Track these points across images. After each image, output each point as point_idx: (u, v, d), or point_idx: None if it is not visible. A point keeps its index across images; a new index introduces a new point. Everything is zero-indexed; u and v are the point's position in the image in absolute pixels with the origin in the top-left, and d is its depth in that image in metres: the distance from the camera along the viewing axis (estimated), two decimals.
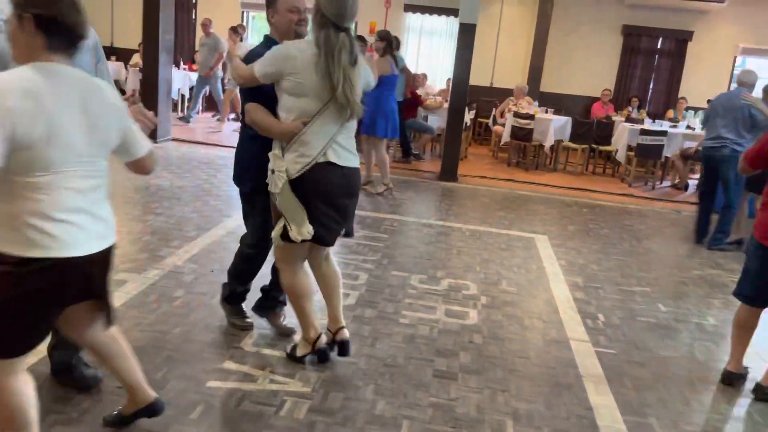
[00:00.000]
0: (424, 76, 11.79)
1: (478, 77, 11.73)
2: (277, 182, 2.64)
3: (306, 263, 2.96)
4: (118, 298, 3.47)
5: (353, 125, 2.78)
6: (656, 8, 11.35)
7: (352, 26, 2.67)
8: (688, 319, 4.11)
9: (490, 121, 10.88)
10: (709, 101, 5.81)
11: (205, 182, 6.54)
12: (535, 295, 4.28)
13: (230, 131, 10.02)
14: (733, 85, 5.98)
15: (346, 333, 2.99)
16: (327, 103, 2.60)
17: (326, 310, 3.07)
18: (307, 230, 2.65)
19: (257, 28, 15.07)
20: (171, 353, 2.95)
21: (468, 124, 9.84)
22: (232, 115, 11.18)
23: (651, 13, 11.46)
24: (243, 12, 12.76)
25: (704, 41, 11.49)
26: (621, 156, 9.14)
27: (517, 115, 9.14)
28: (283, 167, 2.63)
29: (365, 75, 2.83)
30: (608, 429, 2.71)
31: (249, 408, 2.59)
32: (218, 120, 10.81)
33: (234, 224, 5.14)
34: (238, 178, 3.08)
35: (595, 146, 9.68)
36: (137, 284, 3.71)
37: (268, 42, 2.87)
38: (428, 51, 12.70)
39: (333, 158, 2.66)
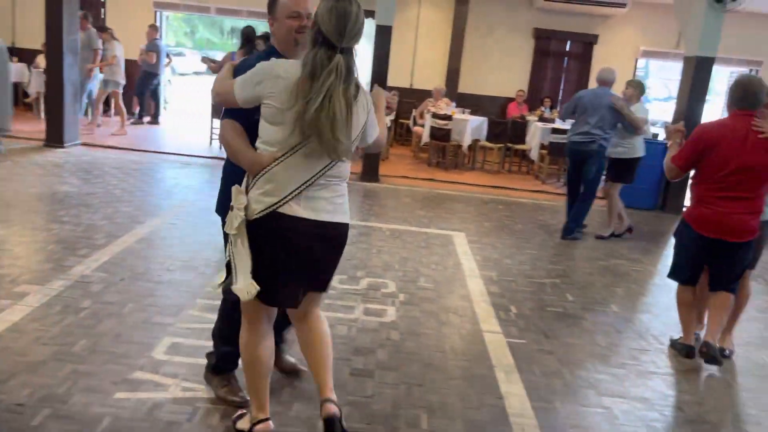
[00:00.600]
0: None
1: (398, 79, 11.89)
2: (233, 221, 2.15)
3: (271, 326, 2.41)
4: (17, 311, 3.30)
5: (342, 171, 2.24)
6: (564, 12, 11.87)
7: (355, 48, 2.18)
8: (593, 307, 4.35)
9: (410, 122, 11.05)
10: (578, 96, 6.19)
11: (116, 188, 6.29)
12: (452, 290, 4.40)
13: (140, 133, 9.68)
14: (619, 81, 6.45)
15: (331, 408, 2.30)
16: (310, 138, 2.11)
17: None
18: (252, 287, 2.14)
19: (173, 28, 14.65)
20: (76, 366, 2.83)
21: (389, 126, 9.96)
22: (130, 120, 10.77)
23: (559, 17, 11.98)
24: (156, 12, 12.36)
25: (608, 44, 12.13)
26: (534, 154, 9.51)
27: (435, 116, 9.34)
28: (242, 204, 2.15)
29: (365, 121, 2.24)
30: (517, 416, 2.83)
31: (160, 417, 2.53)
32: (90, 123, 9.89)
33: (146, 231, 4.98)
34: (221, 208, 2.47)
35: (510, 145, 10.02)
36: (39, 296, 3.53)
37: (269, 54, 2.38)
38: None
39: (302, 210, 2.15)
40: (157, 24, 11.75)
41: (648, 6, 11.66)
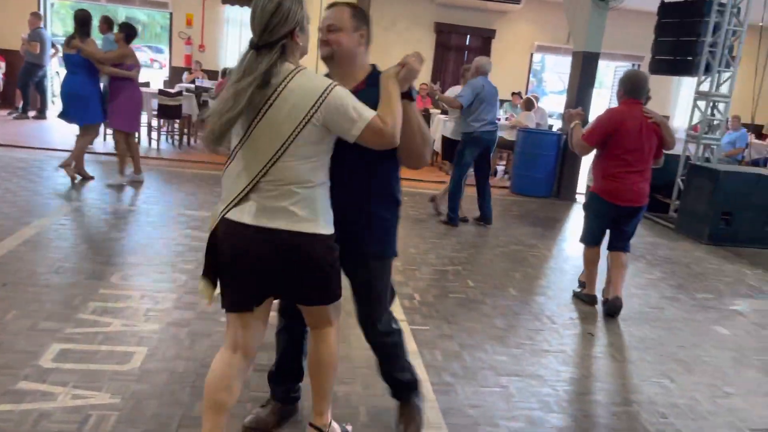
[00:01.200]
0: None
1: None
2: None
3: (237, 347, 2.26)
4: None
5: (288, 176, 2.00)
6: (462, 7, 12.21)
7: (276, 42, 1.97)
8: (493, 292, 4.53)
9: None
10: (478, 86, 6.27)
11: None
12: None
13: (25, 129, 9.04)
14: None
15: None
16: (241, 139, 2.02)
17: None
18: (213, 291, 2.14)
19: (60, 17, 13.73)
20: None
21: None
22: (13, 114, 10.06)
23: (459, 12, 12.32)
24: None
25: (505, 39, 12.62)
26: (437, 146, 9.73)
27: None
28: (215, 211, 2.14)
29: (304, 122, 1.96)
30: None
31: (47, 427, 2.39)
32: None
33: (32, 232, 4.67)
34: None
35: None
36: None
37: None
38: None
39: (245, 215, 2.02)
40: (41, 12, 10.98)
41: (541, 3, 12.22)
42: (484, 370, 3.31)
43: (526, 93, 12.00)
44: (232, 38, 12.30)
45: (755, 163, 10.03)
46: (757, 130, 12.87)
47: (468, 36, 12.83)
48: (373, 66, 2.32)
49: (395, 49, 12.77)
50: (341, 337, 3.48)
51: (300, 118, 1.95)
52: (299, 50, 2.08)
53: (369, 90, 2.15)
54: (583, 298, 4.49)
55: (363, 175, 2.24)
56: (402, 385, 2.63)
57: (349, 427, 2.56)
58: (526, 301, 4.44)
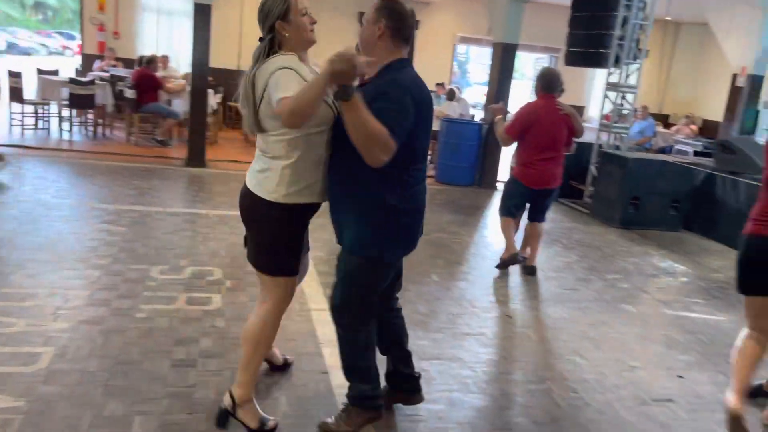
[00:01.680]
0: (166, 58, 11.19)
1: (224, 60, 11.48)
2: None
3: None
4: None
5: (262, 145, 2.35)
6: None
7: (267, 35, 2.31)
8: (416, 278, 4.60)
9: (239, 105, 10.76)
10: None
11: None
12: None
13: None
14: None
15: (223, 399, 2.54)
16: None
17: None
18: None
19: None
20: None
21: (215, 108, 9.62)
22: None
23: None
24: None
25: (429, 30, 12.74)
26: None
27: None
28: None
29: (263, 91, 2.22)
30: (341, 387, 2.91)
31: None
32: None
33: None
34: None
35: None
36: None
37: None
38: (168, 32, 12.03)
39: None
40: None
41: None
42: None
43: (450, 84, 12.19)
44: (149, 25, 11.82)
45: (662, 150, 10.62)
46: (663, 120, 13.67)
47: None
48: (396, 60, 2.33)
49: (320, 39, 12.70)
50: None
51: (259, 94, 2.24)
52: (291, 40, 2.32)
53: (368, 85, 2.26)
54: (506, 261, 4.95)
55: (343, 169, 2.33)
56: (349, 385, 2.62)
57: (272, 422, 2.54)
58: (448, 287, 4.54)
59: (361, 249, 2.37)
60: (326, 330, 3.52)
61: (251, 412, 2.49)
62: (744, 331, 2.91)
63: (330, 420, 2.57)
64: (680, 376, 3.47)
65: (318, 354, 3.23)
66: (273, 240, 2.39)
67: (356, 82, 2.06)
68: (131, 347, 3.07)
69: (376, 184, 2.29)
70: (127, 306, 3.54)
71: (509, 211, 4.98)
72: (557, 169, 4.83)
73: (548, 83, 4.78)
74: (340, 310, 2.50)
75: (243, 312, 3.64)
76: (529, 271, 4.97)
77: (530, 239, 5.07)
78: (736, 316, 4.50)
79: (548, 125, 4.70)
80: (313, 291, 4.10)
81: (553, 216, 7.13)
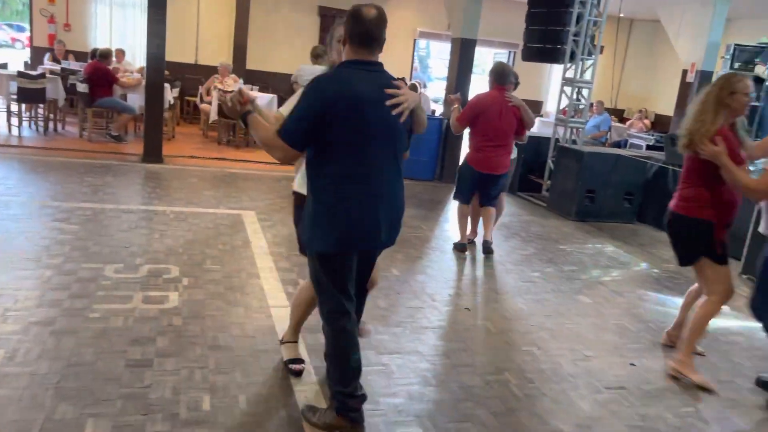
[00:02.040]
0: (121, 51, 10.93)
1: (181, 54, 11.28)
2: None
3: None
4: None
5: None
6: None
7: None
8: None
9: (197, 100, 10.58)
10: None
11: None
12: (240, 270, 4.36)
13: None
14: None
15: None
16: None
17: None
18: None
19: None
20: None
21: (172, 103, 9.44)
22: None
23: None
24: None
25: (389, 26, 12.72)
26: None
27: (223, 92, 9.04)
28: None
29: None
30: (301, 383, 2.93)
31: None
32: None
33: None
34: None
35: None
36: None
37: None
38: (122, 24, 11.72)
39: None
40: None
41: None
42: (367, 349, 3.35)
43: (411, 79, 12.23)
44: (102, 17, 11.50)
45: (617, 144, 10.88)
46: (618, 114, 13.99)
47: None
48: (344, 61, 2.48)
49: (279, 34, 12.62)
50: (222, 328, 3.43)
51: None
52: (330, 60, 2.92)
53: None
54: (457, 246, 5.45)
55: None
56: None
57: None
58: (408, 281, 4.57)
59: (306, 243, 2.51)
60: (285, 326, 3.50)
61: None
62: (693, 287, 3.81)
63: (311, 408, 2.64)
64: (632, 364, 3.58)
65: (277, 350, 3.21)
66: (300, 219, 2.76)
67: (246, 109, 2.44)
68: (84, 348, 3.00)
69: (310, 180, 2.46)
70: (80, 306, 3.46)
71: (464, 195, 5.41)
72: (504, 157, 5.22)
73: (499, 76, 5.15)
74: (319, 303, 2.60)
75: (201, 310, 3.59)
76: (486, 249, 5.32)
77: (484, 221, 5.47)
78: None
79: (496, 115, 5.06)
80: (273, 289, 4.07)
81: (512, 210, 7.24)
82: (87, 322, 3.27)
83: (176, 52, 10.43)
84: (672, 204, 3.51)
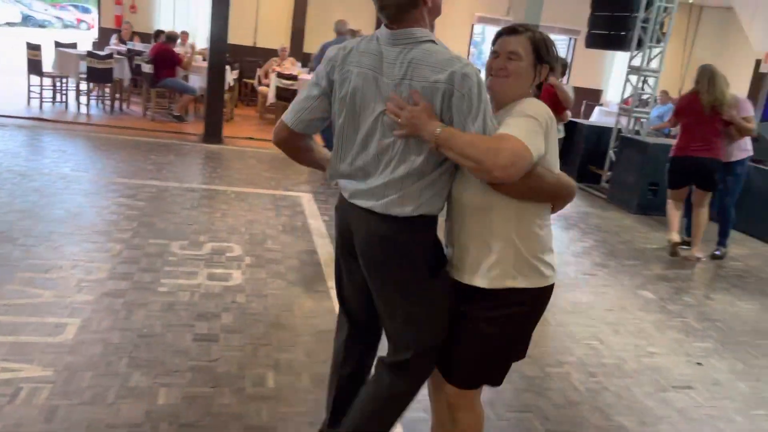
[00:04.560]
0: (186, 34, 11.16)
1: (240, 37, 11.44)
2: None
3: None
4: None
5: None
6: None
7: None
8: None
9: (255, 82, 10.73)
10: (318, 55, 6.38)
11: None
12: (299, 251, 4.42)
13: None
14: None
15: None
16: None
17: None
18: None
19: None
20: None
21: (231, 85, 9.59)
22: None
23: None
24: None
25: (447, 9, 12.54)
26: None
27: (280, 75, 9.14)
28: None
29: None
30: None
31: None
32: None
33: None
34: None
35: None
36: None
37: None
38: (186, 8, 11.98)
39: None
40: None
41: None
42: None
43: None
44: (167, 1, 11.77)
45: None
46: None
47: None
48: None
49: (336, 17, 12.59)
50: (285, 307, 3.49)
51: None
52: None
53: None
54: None
55: None
56: None
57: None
58: None
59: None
60: None
61: None
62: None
63: None
64: (699, 363, 3.46)
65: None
66: None
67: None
68: (153, 320, 3.10)
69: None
70: (149, 279, 3.57)
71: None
72: None
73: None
74: None
75: (263, 289, 3.66)
76: None
77: None
78: (756, 304, 4.48)
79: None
80: (332, 271, 4.09)
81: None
82: (156, 296, 3.37)
83: (236, 34, 10.57)
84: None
